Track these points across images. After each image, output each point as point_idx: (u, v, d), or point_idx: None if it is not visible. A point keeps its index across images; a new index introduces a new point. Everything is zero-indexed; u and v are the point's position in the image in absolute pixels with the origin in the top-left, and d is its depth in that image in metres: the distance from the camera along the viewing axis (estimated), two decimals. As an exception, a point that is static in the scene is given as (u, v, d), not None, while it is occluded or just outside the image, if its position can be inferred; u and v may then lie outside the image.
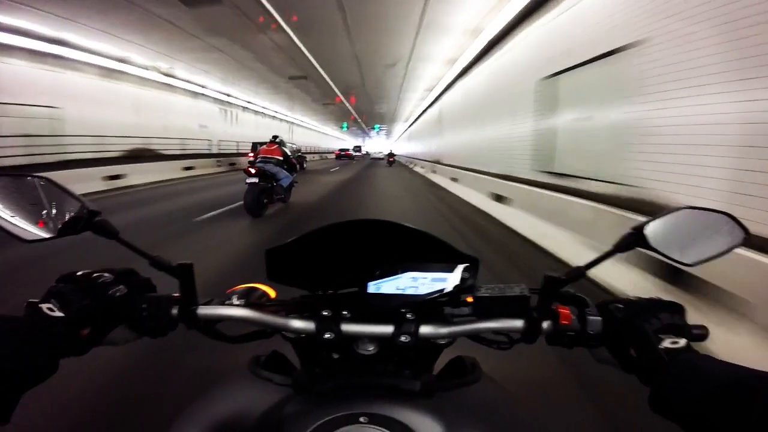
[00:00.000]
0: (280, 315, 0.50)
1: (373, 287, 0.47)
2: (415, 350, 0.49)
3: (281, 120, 27.70)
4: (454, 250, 0.48)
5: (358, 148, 45.71)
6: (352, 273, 0.48)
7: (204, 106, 17.57)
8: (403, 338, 0.47)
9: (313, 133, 37.55)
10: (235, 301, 0.53)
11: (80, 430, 1.48)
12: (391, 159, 27.24)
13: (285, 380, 0.50)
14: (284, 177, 6.35)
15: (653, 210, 2.08)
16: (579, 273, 0.47)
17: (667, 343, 0.40)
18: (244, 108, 21.51)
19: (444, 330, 0.48)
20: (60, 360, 0.40)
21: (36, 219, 0.48)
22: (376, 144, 68.32)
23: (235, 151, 19.14)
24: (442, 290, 0.46)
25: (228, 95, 18.73)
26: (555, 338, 0.49)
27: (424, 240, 0.48)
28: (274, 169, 6.20)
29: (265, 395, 0.49)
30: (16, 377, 0.35)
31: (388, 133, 52.64)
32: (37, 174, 0.51)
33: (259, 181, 5.76)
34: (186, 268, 0.49)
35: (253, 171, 5.75)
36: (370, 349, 0.50)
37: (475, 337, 0.51)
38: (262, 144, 7.61)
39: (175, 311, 0.49)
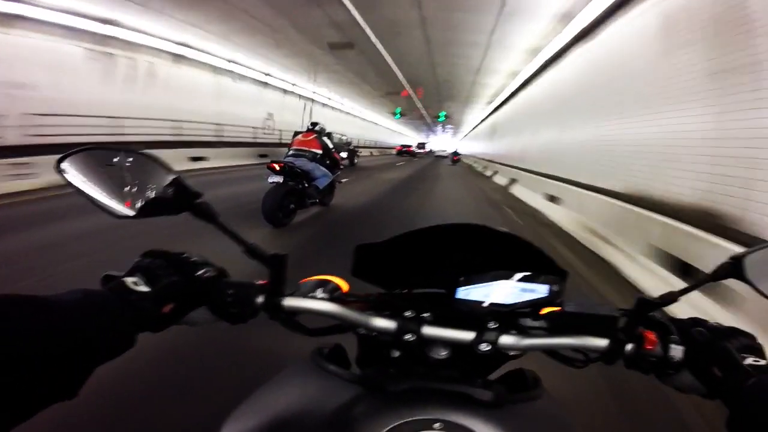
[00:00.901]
0: (362, 312, 0.50)
1: (462, 292, 0.47)
2: (485, 359, 0.48)
3: (347, 113, 28.21)
4: (546, 258, 0.48)
5: (422, 145, 45.21)
6: (439, 276, 0.48)
7: (281, 99, 18.48)
8: (483, 347, 0.46)
9: (375, 126, 37.72)
10: (319, 294, 0.54)
11: (138, 407, 1.54)
12: (455, 158, 26.91)
13: (354, 377, 0.50)
14: (321, 176, 5.08)
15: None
16: (672, 298, 0.46)
17: (750, 361, 0.41)
18: (313, 101, 22.12)
19: (525, 342, 0.47)
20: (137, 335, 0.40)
21: (134, 195, 0.48)
22: (440, 142, 67.48)
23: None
24: (530, 301, 0.47)
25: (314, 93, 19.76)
26: (635, 362, 0.47)
27: (516, 245, 0.48)
28: (308, 166, 4.92)
29: (332, 390, 0.48)
30: (93, 350, 0.36)
31: (455, 132, 51.46)
32: (141, 150, 0.51)
33: (285, 179, 4.59)
34: (280, 258, 0.49)
35: (277, 167, 4.53)
36: (443, 353, 0.50)
37: (550, 351, 0.51)
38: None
39: (260, 299, 0.50)
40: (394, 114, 20.68)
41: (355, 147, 19.08)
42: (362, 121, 32.66)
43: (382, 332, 0.48)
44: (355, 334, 0.53)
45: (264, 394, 0.51)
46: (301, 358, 0.56)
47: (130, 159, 0.49)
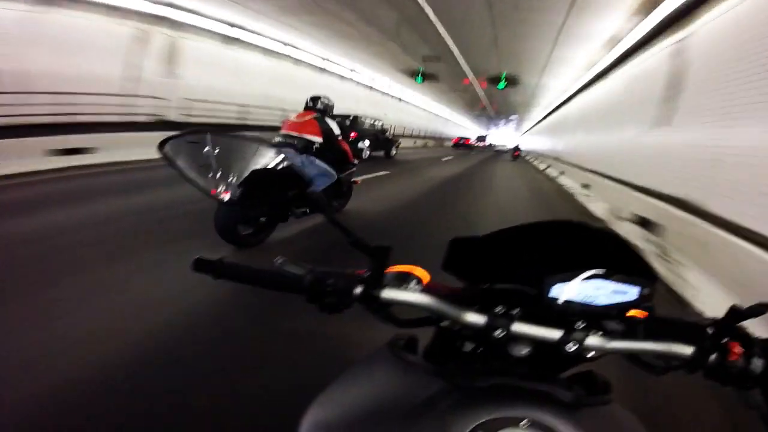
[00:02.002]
0: (454, 305, 0.50)
1: (555, 290, 0.47)
2: (564, 358, 0.50)
3: (399, 100, 28.22)
4: (638, 259, 0.48)
5: (482, 138, 43.65)
6: (530, 272, 0.49)
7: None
8: (569, 347, 0.47)
9: (430, 116, 37.15)
10: (413, 286, 0.54)
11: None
12: (515, 153, 26.48)
13: (439, 370, 0.50)
14: (317, 175, 3.65)
15: None
16: (763, 308, 0.45)
17: None
18: (372, 88, 22.40)
19: (611, 344, 0.48)
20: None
21: (236, 180, 0.48)
22: (502, 135, 65.08)
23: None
24: (621, 303, 0.47)
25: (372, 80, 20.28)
26: (715, 373, 0.47)
27: (610, 243, 0.49)
28: (298, 160, 3.53)
29: (416, 382, 0.49)
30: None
31: (517, 126, 49.40)
32: (251, 135, 0.63)
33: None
34: (383, 250, 0.51)
35: None
36: (524, 351, 0.51)
37: (631, 356, 0.51)
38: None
39: (358, 290, 0.51)
40: (416, 76, 17.33)
41: (394, 135, 16.91)
42: (420, 110, 32.44)
43: (471, 327, 0.49)
44: (436, 326, 0.55)
45: (346, 382, 0.52)
46: (380, 348, 0.57)
47: (238, 143, 0.49)
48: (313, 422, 0.47)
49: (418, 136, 31.59)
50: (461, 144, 34.78)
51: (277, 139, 3.76)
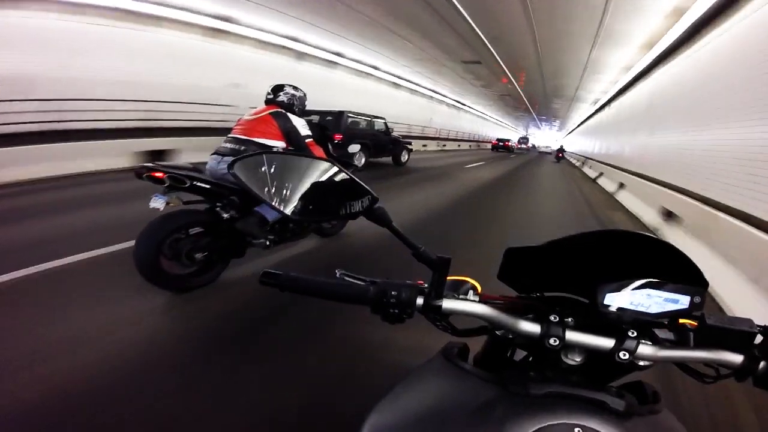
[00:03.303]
0: (510, 314, 0.53)
1: (608, 298, 0.49)
2: (615, 367, 0.51)
3: (447, 104, 28.57)
4: (690, 266, 0.49)
5: (524, 140, 41.94)
6: (582, 281, 0.51)
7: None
8: (621, 355, 0.48)
9: (468, 116, 36.87)
10: (471, 296, 0.57)
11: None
12: (559, 155, 27.05)
13: (495, 378, 0.52)
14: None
15: None
16: None
17: None
18: (413, 92, 22.60)
19: (662, 353, 0.49)
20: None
21: (302, 197, 0.55)
22: (545, 136, 63.53)
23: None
24: (672, 312, 0.49)
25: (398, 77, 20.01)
26: (763, 380, 0.49)
27: (660, 250, 0.50)
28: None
29: (473, 389, 0.51)
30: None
31: (561, 127, 48.29)
32: (312, 155, 0.59)
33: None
34: (444, 262, 0.53)
35: (159, 176, 2.35)
36: (578, 359, 0.52)
37: (681, 365, 0.53)
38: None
39: (420, 301, 0.54)
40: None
41: (404, 137, 13.59)
42: (455, 110, 32.07)
43: (526, 335, 0.51)
44: (500, 336, 0.56)
45: (404, 391, 0.54)
46: (434, 356, 0.59)
47: (300, 162, 0.56)
48: (372, 429, 0.49)
49: (452, 139, 30.98)
50: (501, 146, 33.51)
51: (224, 144, 2.83)
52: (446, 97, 27.25)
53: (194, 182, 2.44)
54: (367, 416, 0.50)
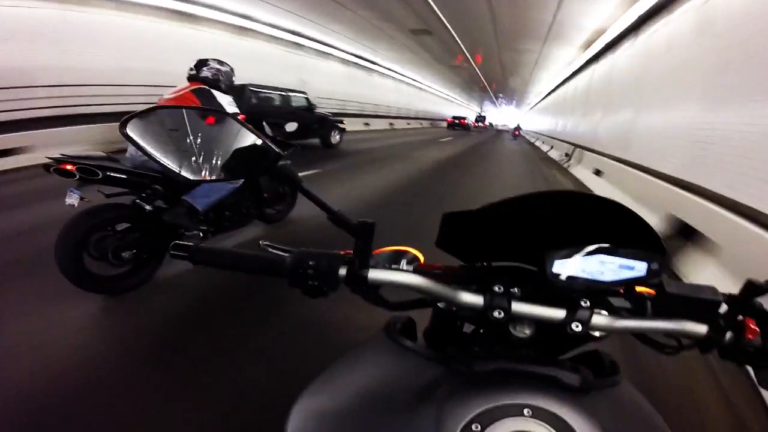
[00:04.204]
0: (449, 285, 0.49)
1: (557, 266, 0.46)
2: (568, 339, 0.49)
3: (395, 79, 26.89)
4: (647, 231, 0.46)
5: (481, 118, 42.96)
6: (529, 248, 0.48)
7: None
8: (574, 326, 0.46)
9: (422, 93, 35.67)
10: (404, 266, 0.54)
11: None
12: (516, 132, 29.72)
13: (437, 356, 0.50)
14: (203, 187, 2.49)
15: None
16: None
17: None
18: (347, 62, 20.93)
19: (619, 323, 0.47)
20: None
21: (205, 157, 0.52)
22: (503, 115, 64.36)
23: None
24: (628, 279, 0.46)
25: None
26: (730, 352, 0.47)
27: (614, 213, 0.47)
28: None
29: (413, 368, 0.49)
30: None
31: (519, 104, 48.29)
32: (218, 110, 0.70)
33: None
34: (367, 227, 0.49)
35: (69, 169, 2.11)
36: (527, 332, 0.50)
37: (639, 335, 0.51)
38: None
39: (342, 272, 0.49)
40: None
41: (333, 115, 11.52)
42: (405, 86, 30.73)
43: (468, 308, 0.48)
44: (433, 308, 0.55)
45: (339, 370, 0.51)
46: (375, 333, 0.56)
47: (205, 119, 0.54)
48: (303, 412, 0.46)
49: (404, 117, 30.03)
50: (456, 124, 33.28)
51: None
52: (392, 71, 25.48)
53: (108, 173, 2.21)
54: (296, 400, 0.48)
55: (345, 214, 0.52)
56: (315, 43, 16.46)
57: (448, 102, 45.94)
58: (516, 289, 0.48)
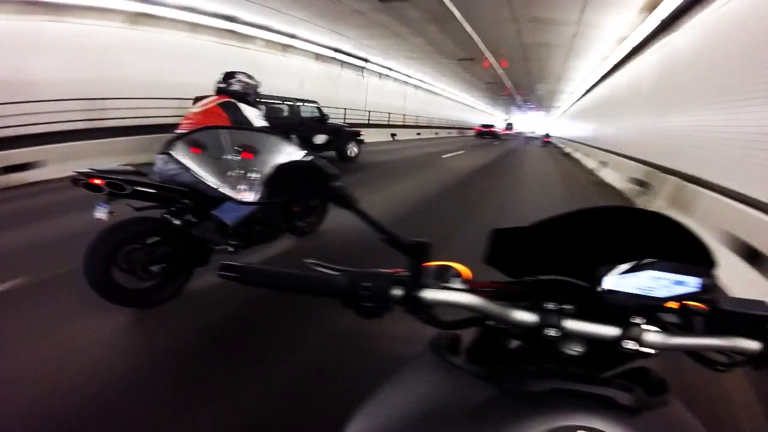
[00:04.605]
0: (501, 304, 0.49)
1: (610, 282, 0.45)
2: (619, 356, 0.48)
3: (421, 88, 27.25)
4: (698, 244, 0.46)
5: (510, 125, 42.50)
6: (580, 264, 0.47)
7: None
8: (628, 344, 0.45)
9: (448, 101, 35.78)
10: (457, 283, 0.53)
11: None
12: (546, 140, 30.12)
13: (489, 374, 0.49)
14: (233, 197, 1.23)
15: None
16: None
17: None
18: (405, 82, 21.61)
19: (672, 341, 0.46)
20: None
21: (255, 179, 0.51)
22: (531, 121, 63.35)
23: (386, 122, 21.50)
24: (681, 295, 0.45)
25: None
26: None
27: (665, 227, 0.47)
28: (187, 174, 2.22)
29: (463, 387, 0.48)
30: None
31: (548, 110, 47.47)
32: (267, 128, 1.07)
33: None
34: (422, 247, 0.49)
35: (99, 183, 2.12)
36: (578, 350, 0.48)
37: (690, 352, 0.50)
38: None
39: (397, 292, 0.49)
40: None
41: (349, 126, 11.05)
42: (431, 95, 31.06)
43: (521, 326, 0.47)
44: (491, 327, 0.53)
45: (390, 390, 0.51)
46: (422, 350, 0.55)
47: (254, 139, 0.54)
48: None
49: (432, 126, 30.09)
50: (486, 132, 32.73)
51: (175, 136, 2.41)
52: (421, 81, 26.03)
53: (136, 187, 2.24)
54: (349, 421, 0.48)
55: (399, 234, 0.51)
56: (378, 66, 20.34)
57: (473, 110, 45.87)
58: (568, 306, 0.48)
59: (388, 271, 0.51)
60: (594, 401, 0.42)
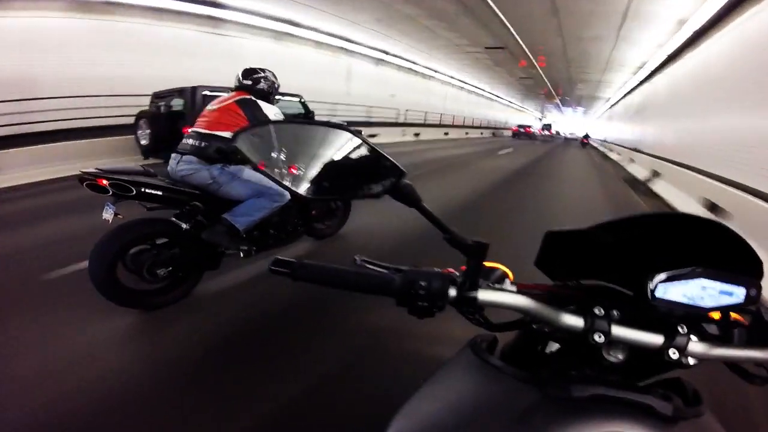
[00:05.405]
0: (549, 306, 0.48)
1: (660, 290, 0.45)
2: (659, 365, 0.49)
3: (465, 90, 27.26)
4: (748, 253, 0.46)
5: (547, 126, 41.77)
6: (631, 269, 0.47)
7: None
8: (671, 353, 0.45)
9: (483, 100, 35.47)
10: (508, 285, 0.53)
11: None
12: (584, 141, 29.19)
13: (530, 377, 0.49)
14: (245, 194, 2.48)
15: None
16: None
17: None
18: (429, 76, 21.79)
19: (715, 351, 0.46)
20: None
21: (320, 173, 0.51)
22: (570, 122, 61.68)
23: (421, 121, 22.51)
24: (727, 306, 0.46)
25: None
26: None
27: (715, 234, 0.46)
28: (201, 175, 2.40)
29: (504, 389, 0.49)
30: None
31: (586, 111, 46.06)
32: (334, 122, 0.76)
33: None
34: (480, 247, 0.50)
35: (105, 184, 2.08)
36: (620, 356, 0.49)
37: (731, 363, 0.50)
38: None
39: (452, 292, 0.49)
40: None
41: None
42: (467, 93, 30.92)
43: (568, 330, 0.47)
44: (535, 330, 0.54)
45: (432, 390, 0.52)
46: (461, 350, 0.56)
47: (314, 132, 0.51)
48: None
49: (468, 126, 29.97)
50: (522, 133, 32.69)
51: (186, 141, 2.50)
52: (460, 81, 26.23)
53: (142, 189, 2.18)
54: (390, 421, 0.48)
55: (459, 233, 0.52)
56: (421, 67, 21.75)
57: (510, 109, 45.23)
58: (615, 312, 0.48)
59: (440, 270, 0.51)
60: (634, 409, 0.42)
